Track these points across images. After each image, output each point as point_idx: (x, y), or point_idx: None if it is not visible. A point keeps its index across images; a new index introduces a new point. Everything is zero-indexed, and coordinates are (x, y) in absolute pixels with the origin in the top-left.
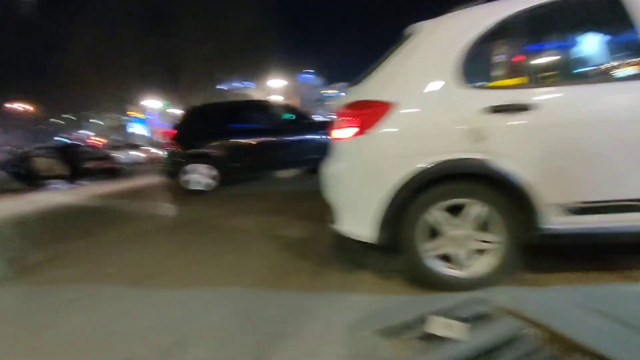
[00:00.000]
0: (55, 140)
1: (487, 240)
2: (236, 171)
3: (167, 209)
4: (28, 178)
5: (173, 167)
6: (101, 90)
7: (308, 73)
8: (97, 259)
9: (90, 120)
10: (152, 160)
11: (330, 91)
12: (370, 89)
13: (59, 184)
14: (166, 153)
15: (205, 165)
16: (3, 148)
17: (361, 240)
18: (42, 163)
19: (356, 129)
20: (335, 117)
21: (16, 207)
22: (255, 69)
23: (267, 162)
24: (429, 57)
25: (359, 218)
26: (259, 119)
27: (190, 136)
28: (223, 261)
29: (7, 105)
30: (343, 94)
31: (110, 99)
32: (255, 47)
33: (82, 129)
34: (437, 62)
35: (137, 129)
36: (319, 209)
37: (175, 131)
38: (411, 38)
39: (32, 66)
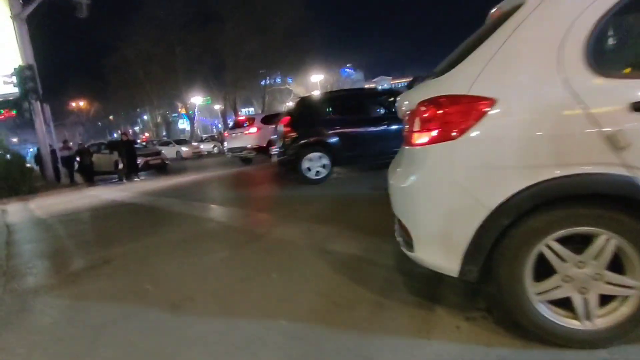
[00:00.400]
0: (111, 136)
1: (620, 283)
2: (349, 160)
3: (210, 210)
4: (85, 173)
5: (291, 156)
6: (151, 88)
7: (347, 68)
8: (136, 270)
9: (141, 117)
10: (199, 155)
11: (372, 85)
12: (457, 81)
13: (113, 179)
14: (282, 142)
15: (320, 154)
16: (65, 144)
17: (442, 272)
18: (98, 158)
19: (440, 133)
20: (404, 117)
21: (70, 202)
22: (296, 65)
23: (378, 152)
24: (543, 36)
25: (440, 246)
26: (372, 107)
27: (305, 125)
28: (268, 282)
29: (69, 104)
30: (382, 86)
31: (158, 96)
32: (296, 43)
33: (133, 125)
34: (555, 43)
35: (183, 125)
36: (376, 218)
37: (290, 120)
38: (516, 12)
39: (91, 66)
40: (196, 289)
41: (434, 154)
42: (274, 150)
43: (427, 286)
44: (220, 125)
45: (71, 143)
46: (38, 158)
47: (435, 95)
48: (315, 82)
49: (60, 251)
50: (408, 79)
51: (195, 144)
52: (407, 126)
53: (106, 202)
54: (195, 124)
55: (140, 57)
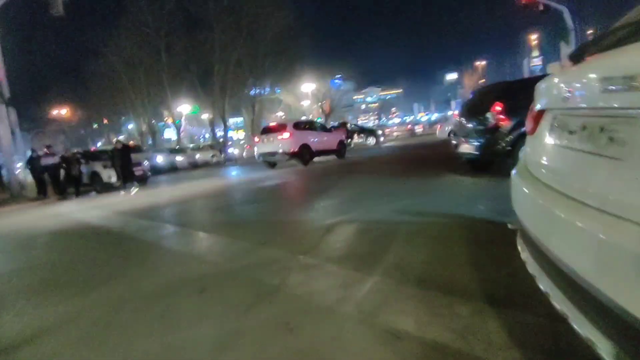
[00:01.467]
0: (95, 145)
1: None
2: None
3: (200, 242)
4: (63, 184)
5: (505, 147)
6: (136, 96)
7: (338, 78)
8: (83, 356)
9: (126, 126)
10: (194, 165)
11: (360, 96)
12: None
13: (92, 192)
14: (491, 133)
15: None
16: (49, 149)
17: None
18: (79, 169)
19: None
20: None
21: (29, 222)
22: (285, 74)
23: None
24: None
25: None
26: None
27: (522, 112)
28: None
29: (50, 110)
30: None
31: (144, 104)
32: (285, 52)
33: (118, 133)
34: None
35: (170, 134)
36: (445, 262)
37: (505, 106)
38: None
39: (73, 73)
40: None
41: None
42: (469, 142)
43: None
44: (207, 135)
45: (49, 152)
46: None
47: None
48: (306, 92)
49: None
50: (398, 90)
51: (191, 152)
52: None
53: (72, 224)
54: (182, 133)
55: (125, 63)
